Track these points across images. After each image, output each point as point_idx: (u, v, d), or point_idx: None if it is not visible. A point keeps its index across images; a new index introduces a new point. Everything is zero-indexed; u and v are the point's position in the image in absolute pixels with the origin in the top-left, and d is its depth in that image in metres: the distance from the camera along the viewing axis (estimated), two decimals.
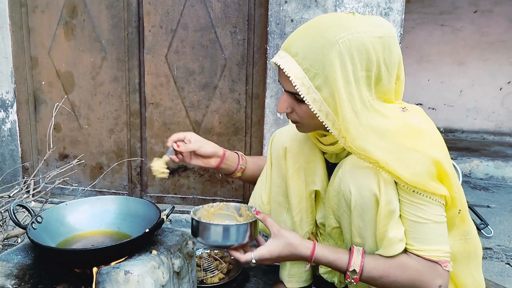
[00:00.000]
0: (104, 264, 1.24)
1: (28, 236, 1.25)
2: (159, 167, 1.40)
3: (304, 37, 1.06)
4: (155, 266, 1.25)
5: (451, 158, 2.30)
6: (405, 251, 1.13)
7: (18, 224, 1.30)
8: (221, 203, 1.37)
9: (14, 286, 1.23)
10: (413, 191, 1.06)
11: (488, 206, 2.19)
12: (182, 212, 2.32)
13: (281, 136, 1.42)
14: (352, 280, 1.16)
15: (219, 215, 1.36)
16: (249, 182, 1.59)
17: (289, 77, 1.05)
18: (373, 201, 1.10)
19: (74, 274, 1.33)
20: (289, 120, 1.22)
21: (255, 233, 1.22)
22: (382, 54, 1.06)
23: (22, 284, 1.25)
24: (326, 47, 1.02)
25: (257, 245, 1.24)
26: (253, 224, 1.21)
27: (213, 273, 1.80)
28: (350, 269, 1.15)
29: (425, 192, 1.06)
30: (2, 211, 1.71)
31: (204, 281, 1.76)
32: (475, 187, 2.91)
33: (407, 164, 1.04)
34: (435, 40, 4.11)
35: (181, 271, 1.40)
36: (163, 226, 1.46)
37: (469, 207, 2.21)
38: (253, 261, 1.17)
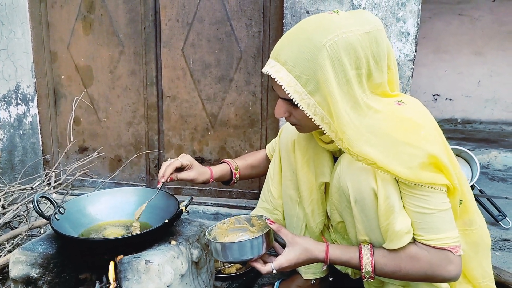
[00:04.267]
0: (125, 254, 1.27)
1: (51, 227, 1.29)
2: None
3: (292, 44, 1.07)
4: (175, 256, 1.28)
5: (469, 150, 2.28)
6: (414, 241, 1.13)
7: (41, 215, 1.33)
8: (232, 217, 1.39)
9: (39, 275, 1.27)
10: (415, 184, 1.06)
11: (506, 198, 2.16)
12: (199, 203, 2.35)
13: (289, 129, 1.43)
14: (369, 279, 1.18)
15: (233, 229, 1.39)
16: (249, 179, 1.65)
17: (281, 85, 1.06)
18: (372, 196, 1.11)
19: (96, 263, 1.37)
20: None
21: (270, 241, 1.25)
22: (370, 49, 1.06)
23: (47, 273, 1.29)
24: (314, 53, 1.03)
25: (275, 252, 1.28)
26: (268, 234, 1.24)
27: (230, 264, 1.83)
28: (363, 271, 1.17)
29: (426, 184, 1.06)
30: (26, 202, 1.76)
31: (222, 271, 1.79)
32: (493, 178, 2.87)
33: (403, 159, 1.05)
34: (453, 30, 4.04)
35: (199, 261, 1.42)
36: (181, 217, 1.49)
37: (487, 198, 2.19)
38: (274, 271, 1.21)
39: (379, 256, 1.16)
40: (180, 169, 1.44)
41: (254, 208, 1.66)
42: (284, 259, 1.20)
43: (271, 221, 1.26)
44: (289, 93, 1.05)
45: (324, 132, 1.09)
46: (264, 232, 1.23)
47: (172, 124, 2.36)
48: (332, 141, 1.25)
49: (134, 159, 2.41)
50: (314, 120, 1.07)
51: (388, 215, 1.09)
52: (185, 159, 1.45)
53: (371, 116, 1.08)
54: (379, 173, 1.08)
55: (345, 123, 1.05)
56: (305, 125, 1.18)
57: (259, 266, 1.22)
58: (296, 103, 1.06)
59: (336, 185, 1.22)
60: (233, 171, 1.58)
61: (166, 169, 1.38)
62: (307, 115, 1.06)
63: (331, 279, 1.62)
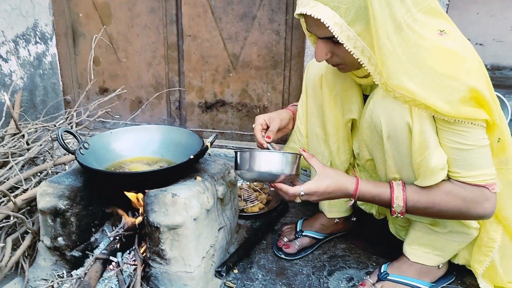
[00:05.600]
0: (151, 189, 1.27)
1: (77, 160, 1.29)
2: None
3: None
4: (200, 191, 1.27)
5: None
6: (448, 179, 1.10)
7: (66, 148, 1.33)
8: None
9: (67, 207, 1.28)
10: (454, 120, 1.01)
11: None
12: (220, 146, 2.34)
13: (317, 64, 1.37)
14: (399, 215, 1.15)
15: None
16: None
17: (320, 19, 0.99)
18: (406, 131, 1.06)
19: (122, 197, 1.38)
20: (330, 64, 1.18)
21: (299, 168, 1.20)
22: None
23: (74, 205, 1.30)
24: None
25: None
26: (299, 158, 1.19)
27: (253, 203, 1.83)
28: (394, 205, 1.14)
29: (466, 119, 1.01)
30: (50, 138, 1.76)
31: (245, 210, 1.80)
32: None
33: (443, 92, 0.99)
34: None
35: (224, 198, 1.42)
36: (205, 156, 1.47)
37: None
38: (302, 193, 1.15)
39: (411, 192, 1.13)
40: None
41: None
42: (314, 185, 1.15)
43: (303, 149, 1.23)
44: (329, 26, 0.99)
45: (364, 66, 1.03)
46: (298, 154, 1.18)
47: (192, 65, 2.30)
48: (366, 76, 1.19)
49: (154, 101, 2.38)
50: (354, 54, 1.01)
51: (422, 150, 1.05)
52: (277, 121, 1.38)
53: (414, 43, 1.01)
54: (415, 109, 1.03)
55: (386, 52, 0.98)
56: (349, 63, 1.12)
57: (286, 187, 1.16)
58: (336, 36, 0.99)
59: (368, 121, 1.17)
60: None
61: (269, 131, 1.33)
62: (347, 48, 1.00)
63: (354, 219, 1.62)
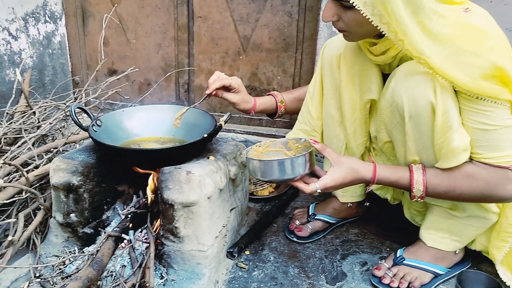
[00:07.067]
0: (164, 167, 1.25)
1: (91, 137, 1.27)
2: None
3: None
4: (214, 170, 1.26)
5: None
6: (470, 160, 1.07)
7: (79, 125, 1.31)
8: (268, 140, 1.32)
9: (80, 183, 1.27)
10: (476, 97, 0.99)
11: None
12: (228, 130, 2.32)
13: (335, 44, 1.34)
14: (418, 199, 1.13)
15: (268, 152, 1.32)
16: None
17: None
18: (429, 110, 1.04)
19: (134, 175, 1.36)
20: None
21: (312, 162, 1.18)
22: None
23: (87, 181, 1.28)
24: None
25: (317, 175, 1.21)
26: (311, 154, 1.17)
27: (263, 187, 1.82)
28: (414, 190, 1.12)
29: (489, 97, 0.98)
30: (62, 116, 1.74)
31: (255, 193, 1.78)
32: None
33: (466, 69, 0.97)
34: None
35: (236, 179, 1.41)
36: (217, 136, 1.45)
37: None
38: (318, 190, 1.14)
39: (432, 175, 1.11)
40: (227, 89, 1.38)
41: (283, 137, 1.61)
42: (329, 179, 1.14)
43: (315, 140, 1.20)
44: None
45: (383, 32, 0.99)
46: (307, 151, 1.17)
47: (202, 47, 2.27)
48: (383, 53, 1.17)
49: (163, 83, 2.35)
50: (372, 21, 0.97)
51: (445, 131, 1.03)
52: (235, 81, 1.38)
53: (435, 22, 0.98)
54: (439, 81, 1.00)
55: (405, 23, 0.95)
56: (353, 31, 1.10)
57: (302, 185, 1.16)
58: (351, 2, 0.96)
59: (388, 100, 1.14)
60: (278, 104, 1.51)
61: (215, 82, 1.33)
62: (364, 15, 0.97)
63: (367, 204, 1.60)
